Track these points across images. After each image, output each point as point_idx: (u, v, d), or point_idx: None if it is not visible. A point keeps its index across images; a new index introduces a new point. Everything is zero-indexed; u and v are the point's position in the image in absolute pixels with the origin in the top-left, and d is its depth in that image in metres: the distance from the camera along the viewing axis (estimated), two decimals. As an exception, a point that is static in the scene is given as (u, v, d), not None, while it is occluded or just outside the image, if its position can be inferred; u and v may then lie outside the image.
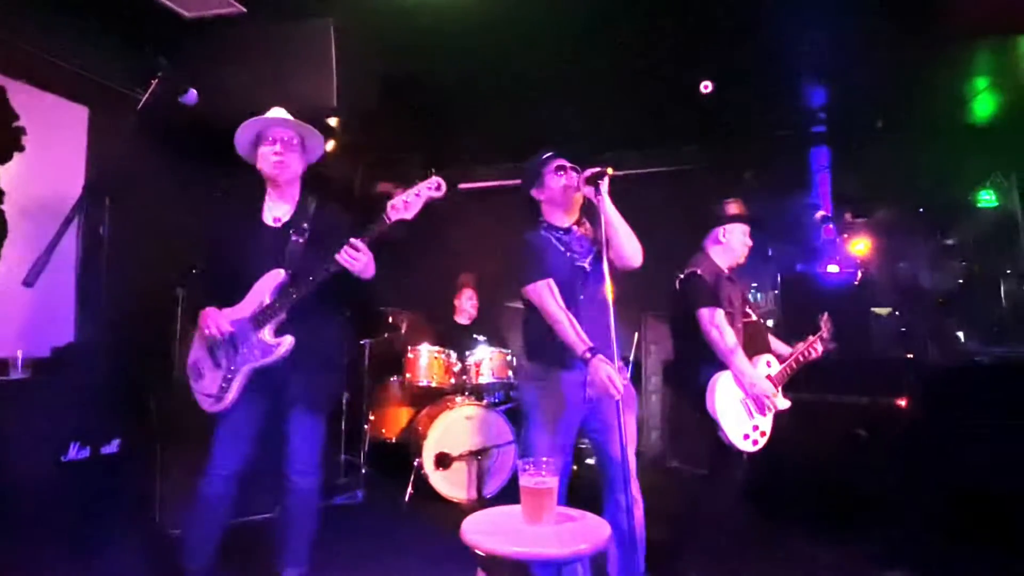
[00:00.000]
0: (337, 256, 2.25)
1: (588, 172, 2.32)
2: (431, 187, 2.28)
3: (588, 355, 2.25)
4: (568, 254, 2.45)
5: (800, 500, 3.73)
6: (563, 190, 2.47)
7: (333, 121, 4.65)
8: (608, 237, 2.34)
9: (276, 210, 2.50)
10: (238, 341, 2.38)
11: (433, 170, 2.29)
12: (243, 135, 2.49)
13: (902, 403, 3.91)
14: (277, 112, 2.53)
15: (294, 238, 2.41)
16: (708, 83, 4.43)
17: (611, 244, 2.36)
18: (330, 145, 4.93)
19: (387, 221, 2.28)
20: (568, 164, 2.50)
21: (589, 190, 2.34)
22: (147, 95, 2.72)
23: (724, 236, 3.08)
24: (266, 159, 2.44)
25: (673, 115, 4.97)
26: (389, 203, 2.28)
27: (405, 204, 2.26)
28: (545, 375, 2.40)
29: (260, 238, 2.44)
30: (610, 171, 2.31)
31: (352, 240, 2.26)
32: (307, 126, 2.51)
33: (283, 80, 3.63)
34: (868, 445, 3.90)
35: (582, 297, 2.40)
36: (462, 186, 6.13)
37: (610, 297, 2.23)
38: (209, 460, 2.38)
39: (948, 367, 4.23)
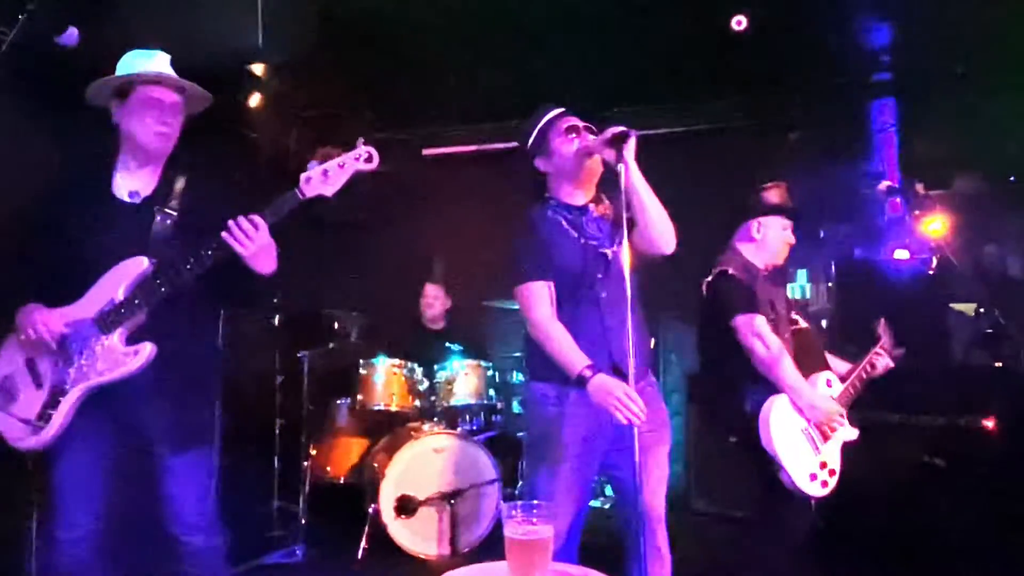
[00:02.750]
0: (223, 235, 2.19)
1: (609, 133, 2.30)
2: (360, 158, 2.26)
3: (588, 373, 2.24)
4: (583, 240, 2.46)
5: (860, 547, 3.77)
6: (576, 157, 2.45)
7: (258, 68, 4.61)
8: (634, 216, 2.33)
9: (132, 182, 2.42)
10: (72, 350, 2.28)
11: (371, 126, 2.26)
12: (110, 84, 2.41)
13: (989, 424, 3.96)
14: (149, 59, 2.44)
15: (159, 218, 2.36)
16: (742, 17, 4.43)
17: (637, 227, 2.36)
18: (255, 100, 4.90)
19: (300, 197, 2.24)
20: (581, 123, 2.50)
21: (609, 155, 2.33)
22: (12, 34, 2.68)
23: (758, 231, 3.13)
24: (144, 126, 2.37)
25: (698, 60, 4.97)
26: (303, 175, 2.24)
27: (324, 176, 2.23)
28: (558, 398, 2.39)
29: (110, 216, 2.35)
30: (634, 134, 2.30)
31: (253, 216, 2.20)
32: (194, 85, 2.45)
33: (192, 15, 3.60)
34: (946, 478, 3.94)
35: (604, 295, 2.40)
36: (428, 152, 6.12)
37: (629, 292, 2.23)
38: (53, 520, 2.29)
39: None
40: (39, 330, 2.25)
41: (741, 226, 3.16)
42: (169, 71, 2.44)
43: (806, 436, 2.91)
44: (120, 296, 2.27)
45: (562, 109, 2.56)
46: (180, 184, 2.42)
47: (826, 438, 2.93)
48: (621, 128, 2.28)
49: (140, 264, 2.28)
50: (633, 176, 2.31)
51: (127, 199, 2.39)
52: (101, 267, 2.29)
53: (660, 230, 2.38)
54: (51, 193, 2.47)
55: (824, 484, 2.89)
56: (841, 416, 2.96)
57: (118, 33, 3.40)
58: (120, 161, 2.43)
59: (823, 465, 2.91)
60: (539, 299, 2.38)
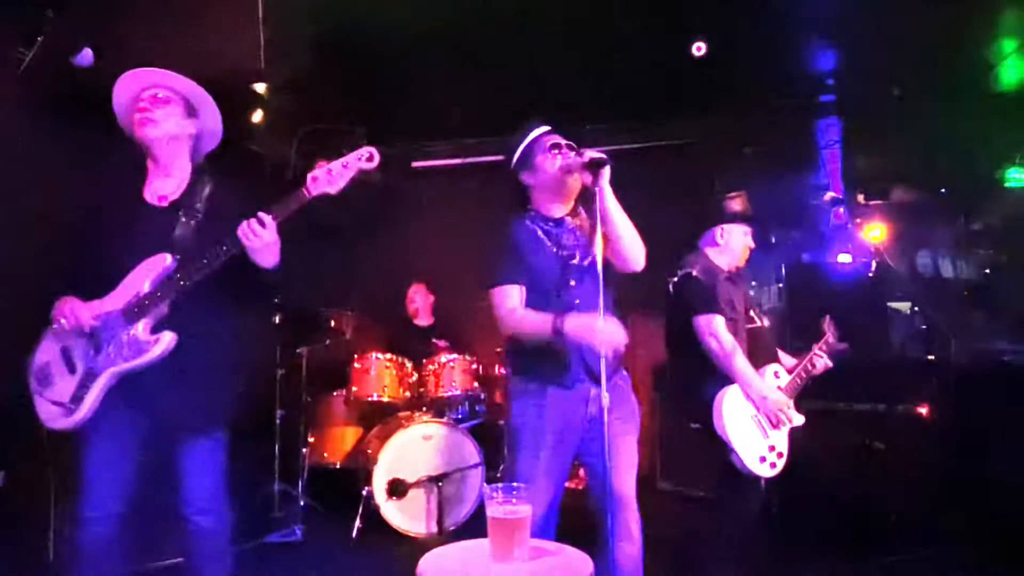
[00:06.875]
0: (238, 230, 2.21)
1: (587, 157, 2.28)
2: (362, 158, 2.27)
3: (559, 323, 2.25)
4: (556, 249, 2.45)
5: (808, 524, 3.79)
6: (558, 174, 2.44)
7: (261, 87, 4.59)
8: (607, 235, 2.33)
9: (161, 187, 2.43)
10: (102, 339, 2.29)
11: (364, 140, 2.28)
12: (119, 97, 2.41)
13: (923, 411, 4.02)
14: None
15: (184, 219, 2.37)
16: (702, 44, 4.47)
17: (610, 244, 2.36)
18: (258, 116, 4.87)
19: (307, 195, 2.25)
20: (563, 142, 2.48)
21: (586, 178, 2.30)
22: (31, 55, 2.64)
23: (722, 237, 3.16)
24: (130, 120, 2.38)
25: (661, 82, 5.00)
26: (310, 174, 2.26)
27: (329, 175, 2.25)
28: (538, 394, 2.40)
29: (140, 218, 2.37)
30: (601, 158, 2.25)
31: (261, 214, 2.22)
32: (188, 81, 2.43)
33: (199, 37, 3.57)
34: (884, 459, 4.00)
35: (578, 302, 2.39)
36: (417, 164, 6.09)
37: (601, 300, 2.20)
38: (81, 501, 2.28)
39: (974, 369, 4.31)
40: (71, 320, 2.27)
41: (707, 232, 3.19)
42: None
43: (755, 422, 2.94)
44: (145, 290, 2.28)
45: (548, 128, 2.54)
46: (207, 190, 2.44)
47: (774, 424, 2.96)
48: (598, 155, 2.25)
49: (163, 260, 2.30)
50: (608, 200, 2.30)
51: (156, 203, 2.41)
52: (130, 265, 2.31)
53: (631, 250, 2.39)
54: (85, 201, 2.49)
55: (773, 465, 2.93)
56: (788, 407, 2.98)
57: (130, 55, 3.39)
58: (150, 170, 2.45)
59: (772, 448, 2.95)
60: (508, 298, 2.39)
